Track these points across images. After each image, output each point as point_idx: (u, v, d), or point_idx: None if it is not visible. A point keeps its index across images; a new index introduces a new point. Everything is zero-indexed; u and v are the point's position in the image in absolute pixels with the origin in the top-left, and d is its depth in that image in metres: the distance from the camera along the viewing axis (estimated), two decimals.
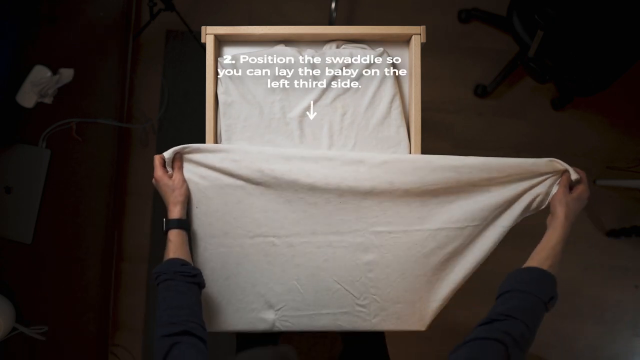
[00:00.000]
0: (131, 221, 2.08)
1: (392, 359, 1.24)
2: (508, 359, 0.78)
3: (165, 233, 1.06)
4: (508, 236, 1.11)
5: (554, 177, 1.08)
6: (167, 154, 1.09)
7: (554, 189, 1.07)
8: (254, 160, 1.09)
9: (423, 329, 1.15)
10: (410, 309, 1.13)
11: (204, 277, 1.09)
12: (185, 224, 1.08)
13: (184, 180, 1.10)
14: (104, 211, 1.35)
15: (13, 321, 1.29)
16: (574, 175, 1.05)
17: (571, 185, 1.07)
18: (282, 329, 1.14)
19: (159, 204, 2.04)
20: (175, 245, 1.04)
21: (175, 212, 1.07)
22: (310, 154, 1.10)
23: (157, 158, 1.10)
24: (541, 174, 1.08)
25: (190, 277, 0.98)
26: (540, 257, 0.98)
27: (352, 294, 1.13)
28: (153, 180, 1.11)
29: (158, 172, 1.09)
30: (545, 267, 0.95)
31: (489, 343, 0.80)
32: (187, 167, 1.11)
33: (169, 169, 1.10)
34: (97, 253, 1.35)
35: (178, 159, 1.11)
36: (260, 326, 1.14)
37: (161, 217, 1.08)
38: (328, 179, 1.09)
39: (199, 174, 1.11)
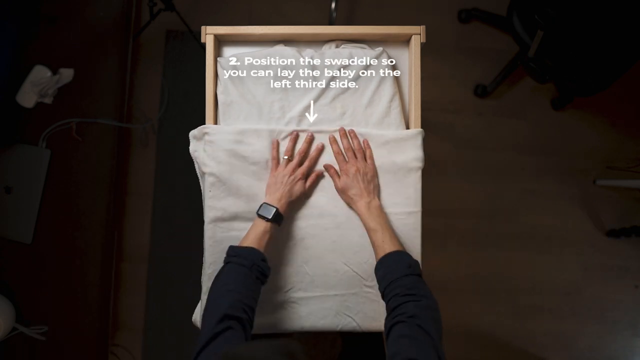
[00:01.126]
0: (131, 221, 2.07)
1: None
2: (418, 324, 0.83)
3: (267, 221, 1.05)
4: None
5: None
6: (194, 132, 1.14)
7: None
8: (267, 138, 1.12)
9: None
10: None
11: None
12: (282, 220, 1.09)
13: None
14: (104, 211, 1.35)
15: (13, 321, 1.29)
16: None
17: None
18: (290, 310, 1.14)
19: (159, 204, 2.05)
20: (270, 237, 1.05)
21: (287, 209, 1.09)
22: (321, 132, 1.13)
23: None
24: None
25: (262, 276, 0.99)
26: (375, 244, 1.04)
27: (360, 275, 1.13)
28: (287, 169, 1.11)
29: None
30: (386, 245, 1.01)
31: (397, 328, 0.85)
32: (206, 148, 1.12)
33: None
34: (97, 253, 1.35)
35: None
36: (268, 309, 1.14)
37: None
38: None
39: (215, 158, 1.11)
